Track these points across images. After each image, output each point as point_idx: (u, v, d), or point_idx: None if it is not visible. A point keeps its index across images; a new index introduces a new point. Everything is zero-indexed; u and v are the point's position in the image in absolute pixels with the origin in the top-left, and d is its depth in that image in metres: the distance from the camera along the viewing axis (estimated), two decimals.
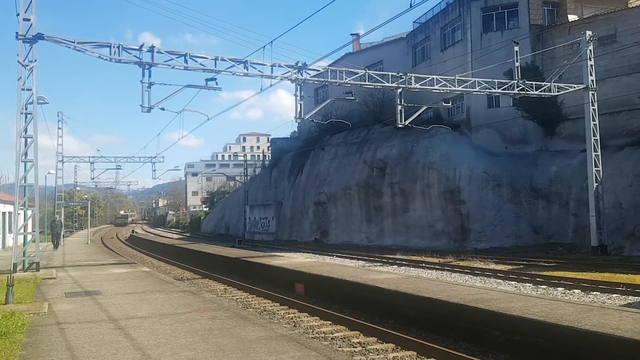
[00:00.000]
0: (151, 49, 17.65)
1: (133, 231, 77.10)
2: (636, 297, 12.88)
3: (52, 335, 7.96)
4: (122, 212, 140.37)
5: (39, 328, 8.48)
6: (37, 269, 17.35)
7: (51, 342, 7.50)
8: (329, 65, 25.15)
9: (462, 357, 8.17)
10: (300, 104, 20.61)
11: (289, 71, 19.96)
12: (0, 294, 11.51)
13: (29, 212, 20.29)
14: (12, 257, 17.12)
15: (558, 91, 24.32)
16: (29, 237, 19.81)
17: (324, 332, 10.57)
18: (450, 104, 25.41)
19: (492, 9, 33.05)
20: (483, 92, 23.63)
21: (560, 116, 29.94)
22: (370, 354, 8.92)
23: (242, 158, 64.96)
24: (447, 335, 9.91)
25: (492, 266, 20.66)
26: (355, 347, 9.36)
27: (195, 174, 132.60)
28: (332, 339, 10.02)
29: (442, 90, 22.90)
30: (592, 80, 24.50)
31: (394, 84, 21.76)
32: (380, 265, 22.31)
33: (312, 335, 10.20)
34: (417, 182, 33.48)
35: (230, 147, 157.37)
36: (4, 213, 35.72)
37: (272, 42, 18.46)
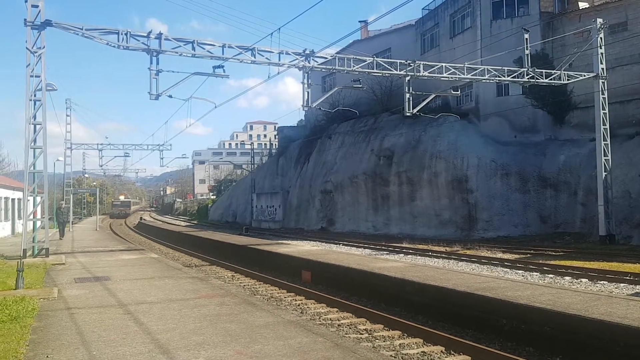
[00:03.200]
0: (159, 36, 17.62)
1: (141, 218, 77.52)
2: None
3: (62, 320, 8.05)
4: (121, 198, 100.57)
5: (49, 313, 8.58)
6: (47, 255, 17.52)
7: (61, 326, 7.59)
8: (337, 53, 25.05)
9: (468, 345, 8.20)
10: (308, 92, 20.53)
11: (297, 59, 19.88)
12: (10, 279, 11.65)
13: (38, 199, 20.45)
14: (21, 243, 17.28)
15: (568, 79, 24.10)
16: (38, 224, 19.97)
17: (330, 319, 10.63)
18: (459, 92, 25.30)
19: None
20: (492, 80, 23.44)
21: (569, 105, 29.71)
22: (377, 340, 8.96)
23: (249, 146, 65.04)
24: (454, 323, 9.94)
25: (499, 255, 20.64)
26: (362, 334, 9.41)
27: (202, 162, 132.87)
28: (338, 325, 10.07)
29: (451, 78, 22.74)
30: (603, 69, 24.25)
31: (402, 72, 21.62)
32: (387, 254, 22.34)
33: (319, 322, 10.26)
34: (425, 170, 33.39)
35: (237, 135, 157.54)
36: (13, 200, 36.01)
37: (279, 29, 18.37)
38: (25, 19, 16.35)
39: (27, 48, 16.55)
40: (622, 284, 13.31)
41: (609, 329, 7.40)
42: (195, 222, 71.91)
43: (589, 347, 7.60)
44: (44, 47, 16.78)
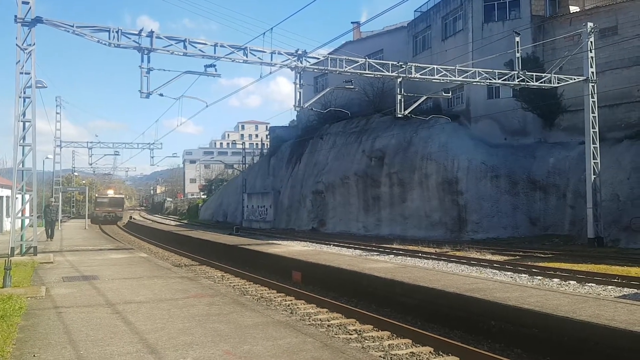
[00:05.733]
0: (150, 34, 17.54)
1: (131, 217, 77.09)
2: (631, 289, 12.96)
3: (49, 318, 7.99)
4: (110, 193, 67.53)
5: (36, 312, 8.50)
6: (35, 254, 17.36)
7: (49, 325, 7.53)
8: (329, 54, 25.06)
9: (456, 345, 8.23)
10: (300, 92, 20.55)
11: (289, 59, 19.87)
12: None
13: (27, 197, 20.28)
14: (9, 241, 17.12)
15: (558, 83, 24.28)
16: (27, 222, 19.80)
17: (320, 320, 10.62)
18: (450, 94, 25.39)
19: None
20: (483, 82, 23.57)
21: (559, 108, 29.92)
22: (366, 341, 8.97)
23: (241, 146, 64.87)
24: (443, 324, 9.97)
25: (489, 257, 20.74)
26: (352, 335, 9.41)
27: (193, 162, 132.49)
28: (328, 326, 10.07)
29: (442, 80, 22.83)
30: (592, 72, 24.45)
31: (394, 73, 21.68)
32: (377, 255, 22.37)
33: (309, 322, 10.25)
34: (415, 172, 33.50)
35: (228, 134, 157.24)
36: (1, 197, 35.67)
37: (272, 28, 18.36)
38: (15, 16, 16.20)
39: (17, 45, 16.40)
40: (609, 287, 13.42)
41: (596, 330, 7.45)
42: (186, 221, 71.64)
43: (577, 348, 7.65)
44: (34, 44, 16.63)
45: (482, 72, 23.07)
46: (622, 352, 7.05)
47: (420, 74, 22.21)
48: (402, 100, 21.88)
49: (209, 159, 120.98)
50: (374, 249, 24.74)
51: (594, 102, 24.37)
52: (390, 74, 21.73)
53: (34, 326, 7.46)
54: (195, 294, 10.08)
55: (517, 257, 20.75)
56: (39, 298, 9.75)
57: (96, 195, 68.84)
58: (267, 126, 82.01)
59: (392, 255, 21.95)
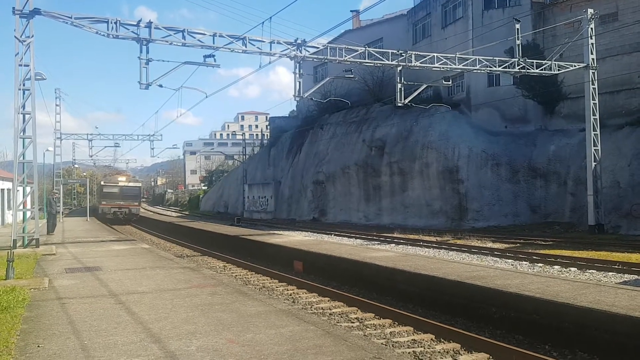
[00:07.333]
0: (149, 25, 17.47)
1: None
2: (632, 275, 13.01)
3: (53, 309, 8.03)
4: (121, 180, 46.32)
5: (39, 303, 8.55)
6: (37, 246, 17.42)
7: (52, 316, 7.57)
8: (329, 43, 24.94)
9: (457, 332, 8.27)
10: (299, 82, 20.48)
11: (288, 48, 19.79)
12: (0, 269, 11.58)
13: (28, 189, 20.31)
14: (11, 233, 17.17)
15: (558, 70, 24.19)
16: (28, 214, 19.84)
17: (322, 308, 10.68)
18: (450, 83, 25.27)
19: None
20: (483, 70, 23.49)
21: (560, 95, 29.85)
22: (368, 329, 9.02)
23: (241, 137, 64.76)
24: (444, 312, 10.02)
25: (489, 244, 20.78)
26: (353, 323, 9.46)
27: (193, 153, 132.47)
28: (330, 314, 10.13)
29: (443, 68, 22.75)
30: (593, 59, 24.36)
31: (394, 62, 21.60)
32: (378, 244, 22.43)
33: (311, 311, 10.30)
34: (416, 161, 33.48)
35: (228, 125, 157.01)
36: (2, 190, 35.73)
37: (271, 18, 18.26)
38: (13, 7, 16.13)
39: (15, 37, 16.34)
40: (610, 273, 13.47)
41: (597, 316, 7.49)
42: (187, 212, 71.74)
43: (578, 334, 7.70)
44: (32, 35, 16.58)
45: (483, 60, 22.98)
46: (622, 337, 7.09)
47: (420, 63, 22.12)
48: (402, 89, 21.82)
49: (209, 150, 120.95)
50: (374, 238, 24.79)
51: (594, 89, 24.29)
52: (390, 62, 21.65)
53: (37, 317, 7.50)
54: (197, 284, 10.13)
55: (518, 244, 20.80)
56: (42, 289, 9.80)
57: (102, 182, 49.35)
58: (266, 117, 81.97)
59: (393, 244, 22.00)
